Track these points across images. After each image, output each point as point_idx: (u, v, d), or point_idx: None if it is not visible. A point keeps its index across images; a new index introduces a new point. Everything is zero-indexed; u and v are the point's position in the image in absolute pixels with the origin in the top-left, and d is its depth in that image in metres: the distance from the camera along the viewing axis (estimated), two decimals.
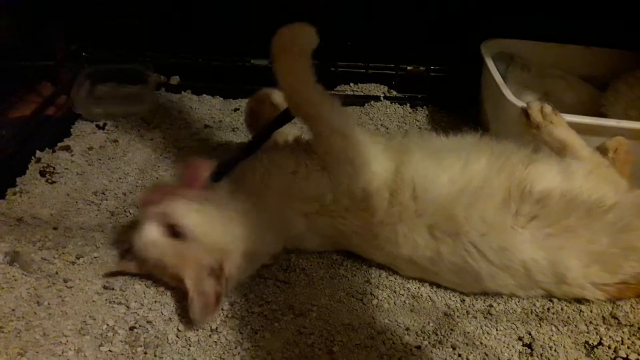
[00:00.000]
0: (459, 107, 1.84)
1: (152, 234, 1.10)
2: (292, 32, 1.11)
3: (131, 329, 1.09)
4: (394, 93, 1.92)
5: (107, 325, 1.10)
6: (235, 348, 1.07)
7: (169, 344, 1.07)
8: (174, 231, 1.10)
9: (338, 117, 1.16)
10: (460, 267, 1.16)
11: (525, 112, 1.32)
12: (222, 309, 1.14)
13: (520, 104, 1.35)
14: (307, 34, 1.10)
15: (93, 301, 1.15)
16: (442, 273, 1.19)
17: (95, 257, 1.24)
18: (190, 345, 1.07)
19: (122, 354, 1.05)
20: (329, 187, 1.17)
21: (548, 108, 1.29)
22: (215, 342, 1.08)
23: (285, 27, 1.10)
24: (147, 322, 1.11)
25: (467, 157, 1.20)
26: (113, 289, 1.17)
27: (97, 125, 1.69)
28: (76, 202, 1.41)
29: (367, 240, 1.21)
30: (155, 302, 1.15)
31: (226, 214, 1.14)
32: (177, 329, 1.10)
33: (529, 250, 1.12)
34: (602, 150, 1.32)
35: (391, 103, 1.88)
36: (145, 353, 1.05)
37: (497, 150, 1.22)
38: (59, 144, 1.60)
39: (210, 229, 1.12)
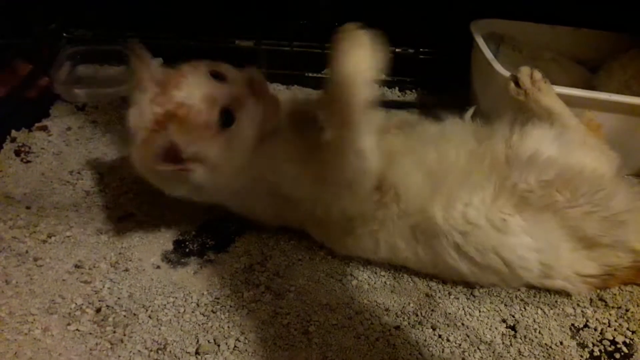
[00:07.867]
0: (449, 90, 1.79)
1: None
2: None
3: (101, 308, 1.06)
4: (383, 76, 1.87)
5: (76, 304, 1.06)
6: (210, 327, 1.04)
7: (139, 323, 1.03)
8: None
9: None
10: (441, 266, 1.11)
11: (514, 79, 1.27)
12: (195, 293, 1.11)
13: (509, 73, 1.31)
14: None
15: (63, 280, 1.11)
16: (423, 268, 1.15)
17: (68, 236, 1.21)
18: (161, 324, 1.03)
19: (90, 333, 1.01)
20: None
21: (538, 74, 1.24)
22: (187, 322, 1.04)
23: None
24: (118, 300, 1.07)
25: (446, 147, 1.12)
26: (84, 267, 1.14)
27: (77, 106, 1.64)
28: (51, 181, 1.37)
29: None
30: (127, 280, 1.11)
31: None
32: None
33: (516, 247, 1.06)
34: None
35: (379, 86, 1.83)
36: (114, 332, 1.02)
37: (480, 135, 1.15)
38: (37, 124, 1.55)
39: None
